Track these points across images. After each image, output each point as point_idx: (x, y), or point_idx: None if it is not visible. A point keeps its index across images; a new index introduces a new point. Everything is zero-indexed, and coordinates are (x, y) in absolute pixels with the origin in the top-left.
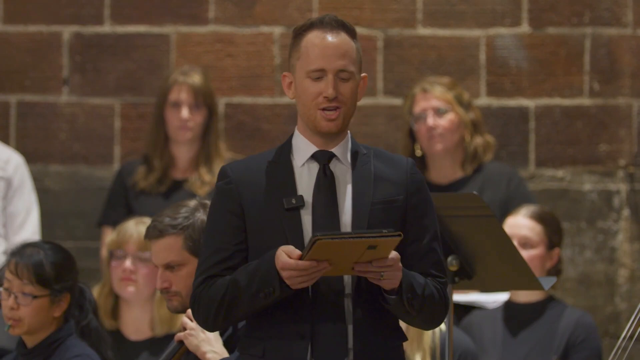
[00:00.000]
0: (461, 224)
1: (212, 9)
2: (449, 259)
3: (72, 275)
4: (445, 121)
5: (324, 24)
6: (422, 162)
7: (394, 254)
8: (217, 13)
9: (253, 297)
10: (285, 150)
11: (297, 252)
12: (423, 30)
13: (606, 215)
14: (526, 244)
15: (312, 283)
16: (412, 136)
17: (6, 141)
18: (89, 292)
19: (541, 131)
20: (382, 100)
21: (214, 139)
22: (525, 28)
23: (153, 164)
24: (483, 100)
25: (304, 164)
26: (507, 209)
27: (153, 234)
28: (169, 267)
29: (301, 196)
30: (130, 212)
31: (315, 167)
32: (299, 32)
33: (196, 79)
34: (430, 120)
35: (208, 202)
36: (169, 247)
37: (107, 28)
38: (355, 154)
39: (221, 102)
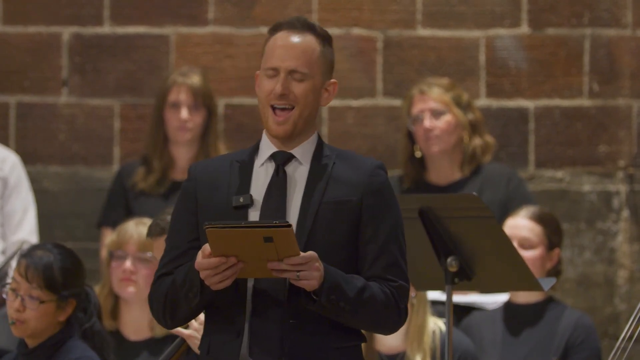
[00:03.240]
0: (460, 225)
1: (212, 10)
2: (449, 260)
3: (80, 281)
4: (442, 123)
5: (291, 25)
6: (421, 163)
7: (309, 253)
8: (216, 14)
9: (186, 297)
10: (253, 150)
11: (209, 249)
12: (423, 31)
13: (605, 216)
14: (526, 244)
15: (229, 283)
16: (411, 137)
17: (6, 142)
18: (93, 294)
19: (541, 132)
20: (382, 101)
21: (213, 139)
22: (524, 29)
23: (152, 165)
24: (483, 101)
25: (262, 164)
26: (507, 210)
27: (155, 231)
28: None
29: (250, 195)
30: (129, 213)
31: (272, 167)
32: (270, 32)
33: (195, 79)
34: (427, 121)
35: None
36: None
37: (106, 29)
38: (317, 156)
39: (220, 103)
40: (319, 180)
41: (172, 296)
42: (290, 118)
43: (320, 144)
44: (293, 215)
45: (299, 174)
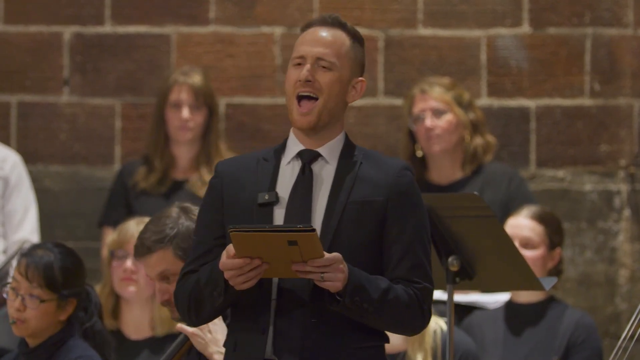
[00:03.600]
0: (462, 224)
1: (213, 9)
2: (450, 259)
3: (81, 280)
4: (443, 122)
5: (322, 22)
6: (422, 163)
7: (333, 255)
8: (217, 13)
9: (210, 296)
10: (279, 148)
11: (233, 250)
12: (424, 31)
13: (607, 216)
14: (527, 244)
15: (253, 283)
16: (412, 137)
17: (7, 141)
18: (94, 294)
19: (542, 131)
20: (383, 100)
21: (215, 139)
22: (525, 28)
23: (154, 164)
24: (484, 101)
25: (289, 162)
26: (508, 210)
27: (142, 251)
28: (164, 277)
29: (275, 192)
30: (130, 212)
31: (299, 165)
32: (301, 30)
33: (196, 79)
34: (428, 121)
35: (189, 206)
36: (160, 260)
37: (107, 28)
38: (344, 155)
39: (222, 103)
40: (346, 179)
41: (196, 295)
42: (315, 109)
43: (348, 144)
44: (318, 214)
45: (325, 173)
